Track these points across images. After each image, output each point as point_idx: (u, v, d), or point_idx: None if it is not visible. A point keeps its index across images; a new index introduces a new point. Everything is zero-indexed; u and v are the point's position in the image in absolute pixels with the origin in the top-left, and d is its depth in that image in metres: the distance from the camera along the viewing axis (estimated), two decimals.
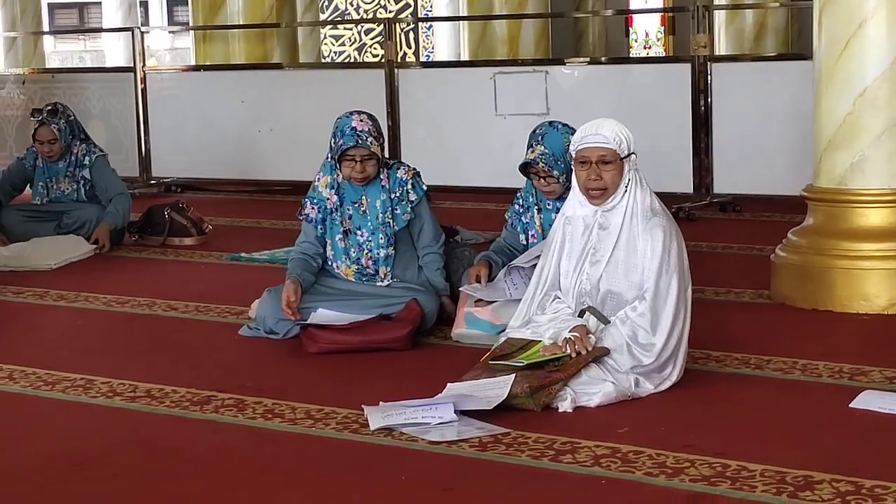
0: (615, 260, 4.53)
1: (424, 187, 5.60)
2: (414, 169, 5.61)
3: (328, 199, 5.50)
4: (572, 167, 4.69)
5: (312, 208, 5.54)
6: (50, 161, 7.80)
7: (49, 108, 7.82)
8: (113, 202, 7.73)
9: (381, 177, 5.50)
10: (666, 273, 4.46)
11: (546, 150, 5.28)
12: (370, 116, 5.48)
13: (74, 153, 7.81)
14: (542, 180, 5.34)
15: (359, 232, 5.51)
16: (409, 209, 5.51)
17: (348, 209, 5.51)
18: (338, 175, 5.49)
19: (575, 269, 4.62)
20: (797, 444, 3.94)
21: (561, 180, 5.24)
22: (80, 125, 8.00)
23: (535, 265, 4.91)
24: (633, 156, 4.58)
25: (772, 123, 8.39)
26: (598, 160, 4.53)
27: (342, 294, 5.46)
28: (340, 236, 5.50)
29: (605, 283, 4.54)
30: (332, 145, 5.45)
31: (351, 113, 5.45)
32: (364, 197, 5.51)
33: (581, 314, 4.56)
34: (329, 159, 5.50)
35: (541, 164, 5.27)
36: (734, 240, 7.58)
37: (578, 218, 4.65)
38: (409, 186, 5.53)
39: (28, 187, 8.03)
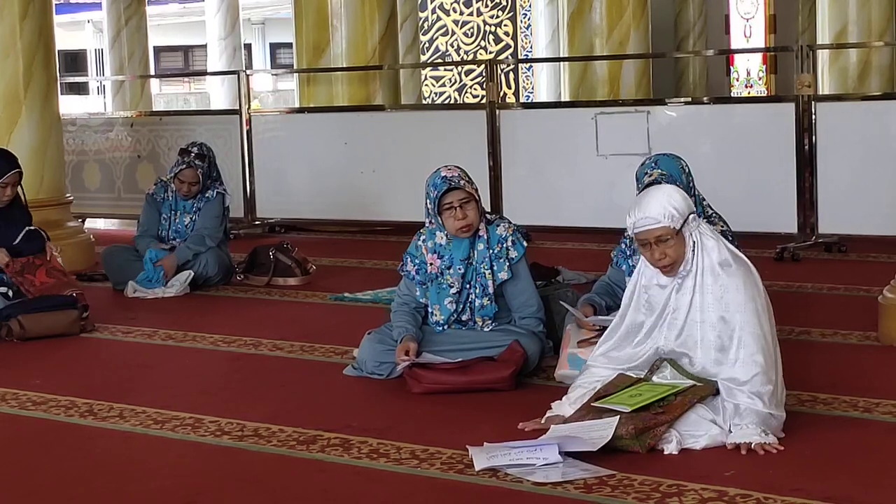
0: (691, 321, 4.46)
1: (525, 245, 5.49)
2: (515, 226, 5.53)
3: (430, 263, 5.47)
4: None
5: (413, 266, 5.53)
6: (184, 199, 7.99)
7: (196, 149, 7.97)
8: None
9: (481, 231, 5.44)
10: (759, 320, 4.37)
11: (664, 172, 5.24)
12: (457, 167, 5.45)
13: (204, 193, 8.00)
14: None
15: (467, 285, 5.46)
16: (506, 266, 5.42)
17: (459, 269, 5.44)
18: (441, 238, 5.46)
19: (651, 333, 4.56)
20: None
21: None
22: (217, 166, 8.18)
23: None
24: (691, 216, 4.46)
25: (877, 163, 8.30)
26: (655, 241, 4.47)
27: (444, 340, 5.42)
28: (450, 299, 5.44)
29: (681, 345, 4.48)
30: (429, 204, 5.41)
31: (438, 168, 5.45)
32: (473, 251, 5.44)
33: (657, 365, 4.52)
34: (429, 223, 5.47)
35: (663, 182, 5.12)
36: (840, 281, 7.48)
37: (655, 287, 4.56)
38: (509, 244, 5.43)
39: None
